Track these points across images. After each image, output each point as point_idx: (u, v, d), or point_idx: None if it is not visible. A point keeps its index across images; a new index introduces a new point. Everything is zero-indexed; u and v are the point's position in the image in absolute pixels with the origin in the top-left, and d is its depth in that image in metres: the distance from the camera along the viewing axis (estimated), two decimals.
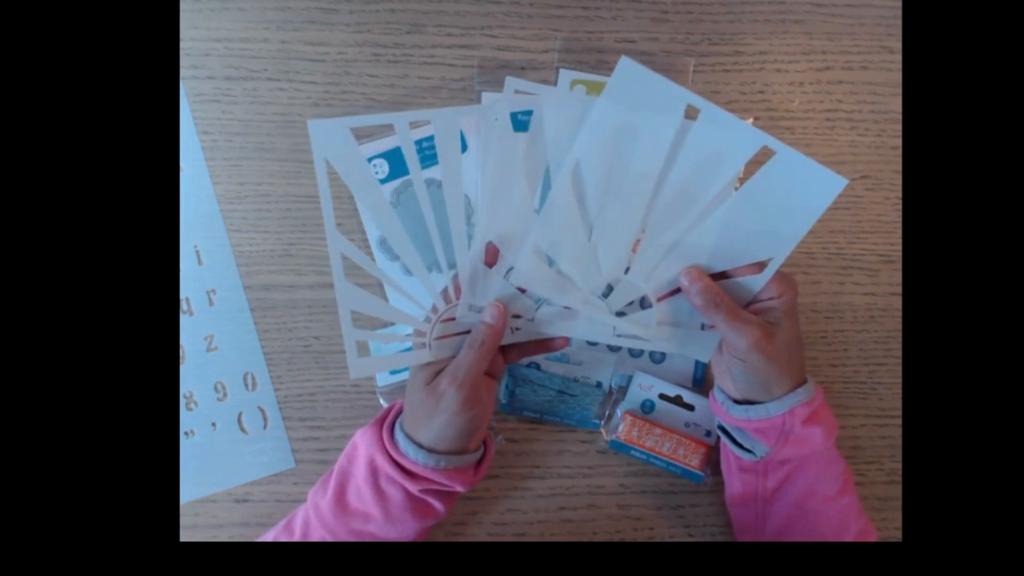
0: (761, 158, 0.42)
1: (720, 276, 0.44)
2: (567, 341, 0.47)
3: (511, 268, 0.45)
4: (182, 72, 0.54)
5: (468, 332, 0.45)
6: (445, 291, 0.45)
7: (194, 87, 0.54)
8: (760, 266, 0.44)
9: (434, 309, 0.45)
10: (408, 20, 0.55)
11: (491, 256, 0.45)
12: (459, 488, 0.45)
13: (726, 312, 0.42)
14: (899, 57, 0.57)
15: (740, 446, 0.47)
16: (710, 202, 0.43)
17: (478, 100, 0.54)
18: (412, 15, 0.55)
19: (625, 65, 0.41)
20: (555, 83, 0.54)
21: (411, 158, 0.44)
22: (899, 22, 0.57)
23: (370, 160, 0.53)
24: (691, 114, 0.42)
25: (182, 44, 0.54)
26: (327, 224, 0.42)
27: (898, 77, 0.57)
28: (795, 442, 0.44)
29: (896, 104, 0.57)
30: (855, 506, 0.47)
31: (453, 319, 0.45)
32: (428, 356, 0.45)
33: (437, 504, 0.45)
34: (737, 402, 0.46)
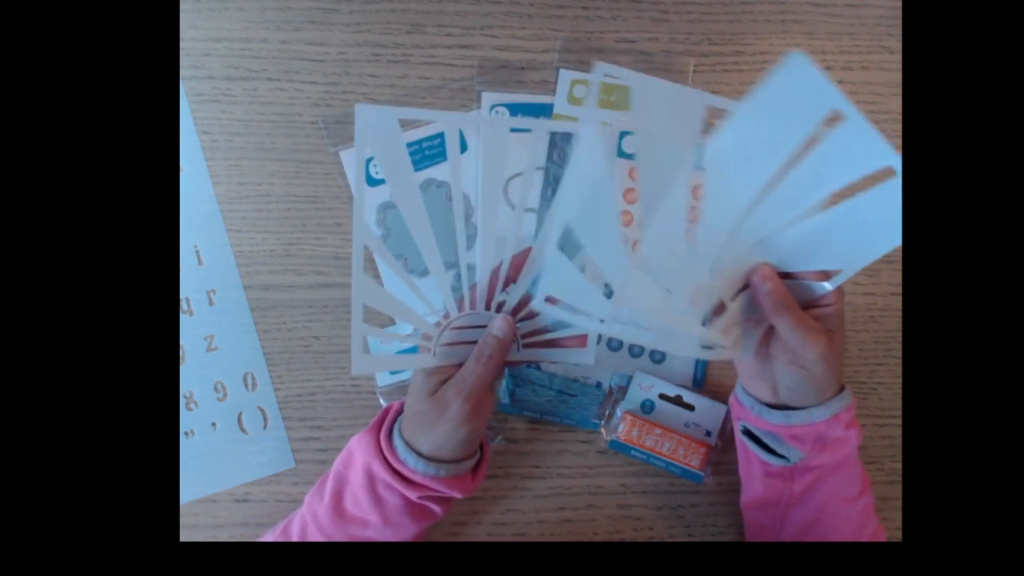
0: None
1: (783, 275, 0.43)
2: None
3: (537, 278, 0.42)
4: (182, 72, 0.54)
5: (475, 343, 0.44)
6: (460, 299, 0.44)
7: (194, 87, 0.54)
8: (826, 274, 0.42)
9: (446, 315, 0.44)
10: (408, 20, 0.55)
11: (516, 270, 0.44)
12: (457, 495, 0.44)
13: (794, 317, 0.41)
14: (899, 57, 0.57)
15: (770, 451, 0.46)
16: (809, 207, 0.41)
17: (478, 100, 0.54)
18: (412, 15, 0.55)
19: (797, 61, 0.37)
20: (555, 83, 0.54)
21: (453, 150, 0.43)
22: (899, 22, 0.57)
23: (370, 160, 0.53)
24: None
25: (182, 44, 0.54)
26: (355, 213, 0.41)
27: (898, 77, 0.57)
28: (832, 447, 0.44)
29: (896, 104, 0.57)
30: (871, 508, 0.47)
31: (462, 327, 0.45)
32: (432, 361, 0.44)
33: (435, 508, 0.45)
34: (771, 406, 0.45)
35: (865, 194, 0.40)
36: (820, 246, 0.42)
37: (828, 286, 0.42)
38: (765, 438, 0.46)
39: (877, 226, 0.41)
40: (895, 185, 0.39)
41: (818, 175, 0.40)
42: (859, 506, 0.46)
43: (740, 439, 0.49)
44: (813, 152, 0.40)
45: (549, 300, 0.42)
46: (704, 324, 0.43)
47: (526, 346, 0.46)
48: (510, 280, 0.44)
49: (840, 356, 0.43)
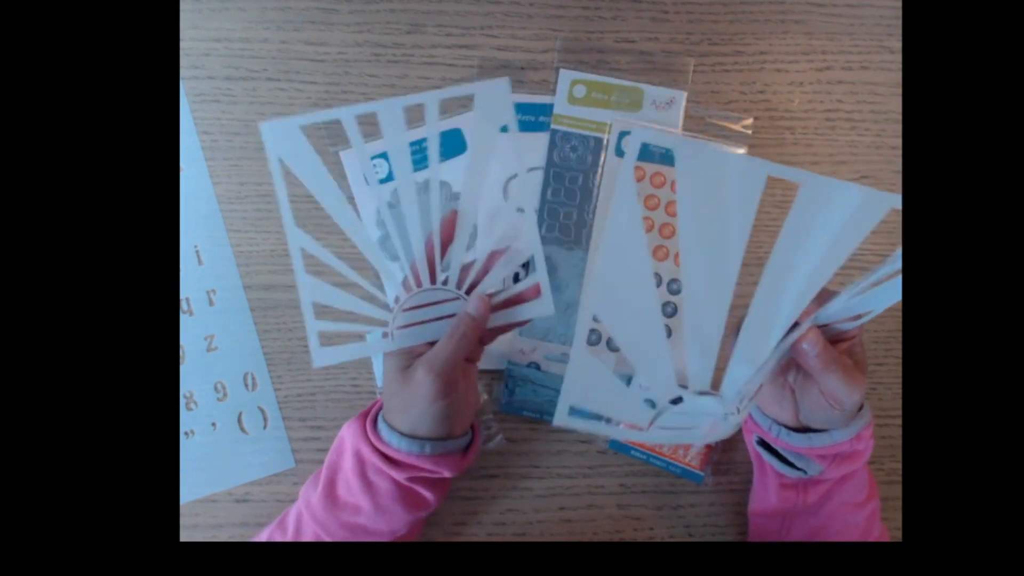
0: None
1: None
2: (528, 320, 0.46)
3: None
4: (182, 72, 0.54)
5: (431, 320, 0.44)
6: (406, 280, 0.44)
7: (194, 87, 0.54)
8: (857, 316, 0.41)
9: (396, 299, 0.44)
10: (408, 20, 0.55)
11: (448, 229, 0.43)
12: (447, 473, 0.44)
13: (842, 370, 0.40)
14: (899, 57, 0.57)
15: (786, 462, 0.46)
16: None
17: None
18: (412, 15, 0.55)
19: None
20: (555, 83, 0.54)
21: (401, 158, 0.42)
22: (899, 22, 0.57)
23: (371, 160, 0.53)
24: None
25: (182, 44, 0.54)
26: (285, 221, 0.42)
27: (898, 77, 0.57)
28: (850, 460, 0.44)
29: (896, 104, 0.57)
30: (877, 512, 0.47)
31: (415, 307, 0.44)
32: (391, 345, 0.44)
33: (426, 493, 0.45)
34: (790, 427, 0.45)
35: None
36: (859, 304, 0.40)
37: (852, 324, 0.41)
38: (786, 453, 0.46)
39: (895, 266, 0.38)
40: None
41: (876, 274, 0.38)
42: (866, 511, 0.46)
43: (755, 450, 0.49)
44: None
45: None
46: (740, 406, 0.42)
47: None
48: (445, 245, 0.44)
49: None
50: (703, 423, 0.41)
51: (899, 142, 0.57)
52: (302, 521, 0.45)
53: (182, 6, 0.54)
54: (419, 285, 0.44)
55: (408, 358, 0.43)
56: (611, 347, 0.53)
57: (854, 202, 0.36)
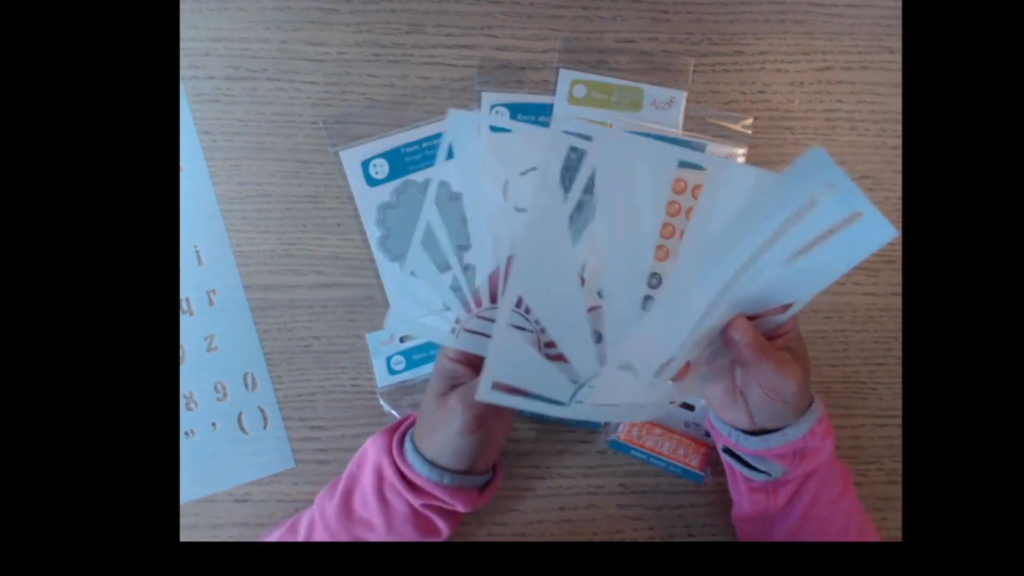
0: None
1: (749, 318, 0.42)
2: None
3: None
4: (182, 72, 0.54)
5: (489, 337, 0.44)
6: (476, 293, 0.44)
7: (194, 87, 0.54)
8: (785, 307, 0.42)
9: (477, 301, 0.44)
10: (408, 20, 0.55)
11: (494, 287, 0.44)
12: (460, 508, 0.44)
13: (773, 360, 0.41)
14: (899, 57, 0.57)
15: (752, 468, 0.46)
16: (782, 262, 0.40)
17: (478, 100, 0.54)
18: (412, 15, 0.55)
19: (815, 155, 0.36)
20: (555, 83, 0.54)
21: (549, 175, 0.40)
22: (899, 22, 0.57)
23: (370, 160, 0.53)
24: None
25: (182, 44, 0.54)
26: (428, 198, 0.43)
27: (898, 77, 0.57)
28: (809, 457, 0.44)
29: (896, 104, 0.57)
30: (855, 505, 0.47)
31: (487, 318, 0.44)
32: (452, 342, 0.44)
33: (439, 522, 0.45)
34: (747, 431, 0.45)
35: (829, 243, 0.38)
36: (783, 289, 0.41)
37: (783, 317, 0.42)
38: (748, 458, 0.46)
39: (831, 262, 0.40)
40: (859, 228, 0.37)
41: (799, 240, 0.39)
42: (842, 506, 0.46)
43: (723, 457, 0.49)
44: (802, 223, 0.38)
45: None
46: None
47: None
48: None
49: (808, 374, 0.43)
50: (624, 398, 0.41)
51: (899, 142, 0.57)
52: (314, 528, 0.45)
53: (182, 6, 0.54)
54: (492, 300, 0.44)
55: (448, 383, 0.43)
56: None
57: (750, 183, 0.39)
